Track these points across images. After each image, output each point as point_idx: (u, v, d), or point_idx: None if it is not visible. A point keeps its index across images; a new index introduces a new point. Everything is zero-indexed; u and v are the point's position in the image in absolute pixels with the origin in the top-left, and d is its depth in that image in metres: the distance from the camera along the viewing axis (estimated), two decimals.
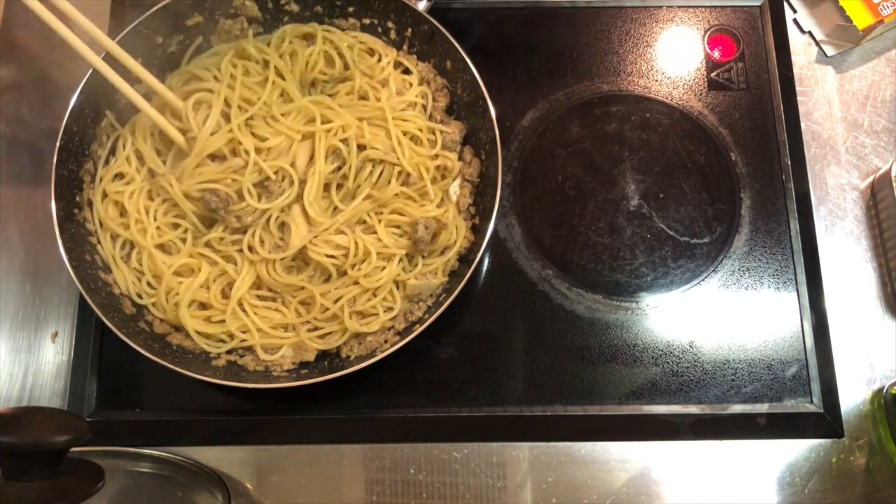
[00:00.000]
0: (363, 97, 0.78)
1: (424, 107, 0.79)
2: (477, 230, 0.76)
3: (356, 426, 0.73)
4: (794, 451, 0.74)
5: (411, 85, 0.80)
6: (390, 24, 0.80)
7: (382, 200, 0.74)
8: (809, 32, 0.89)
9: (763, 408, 0.74)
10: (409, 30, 0.80)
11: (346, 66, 0.79)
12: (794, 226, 0.81)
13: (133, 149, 0.76)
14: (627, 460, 0.73)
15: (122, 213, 0.74)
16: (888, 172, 0.79)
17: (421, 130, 0.77)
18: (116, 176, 0.75)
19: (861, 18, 0.85)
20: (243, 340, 0.72)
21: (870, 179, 0.83)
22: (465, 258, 0.75)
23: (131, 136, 0.76)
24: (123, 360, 0.74)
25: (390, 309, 0.73)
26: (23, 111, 0.83)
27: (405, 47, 0.81)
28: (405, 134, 0.76)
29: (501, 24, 0.89)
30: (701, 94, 0.86)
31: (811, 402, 0.75)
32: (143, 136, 0.75)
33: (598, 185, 0.82)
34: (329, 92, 0.79)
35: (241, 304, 0.72)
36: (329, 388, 0.67)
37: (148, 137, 0.75)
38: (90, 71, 0.71)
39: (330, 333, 0.73)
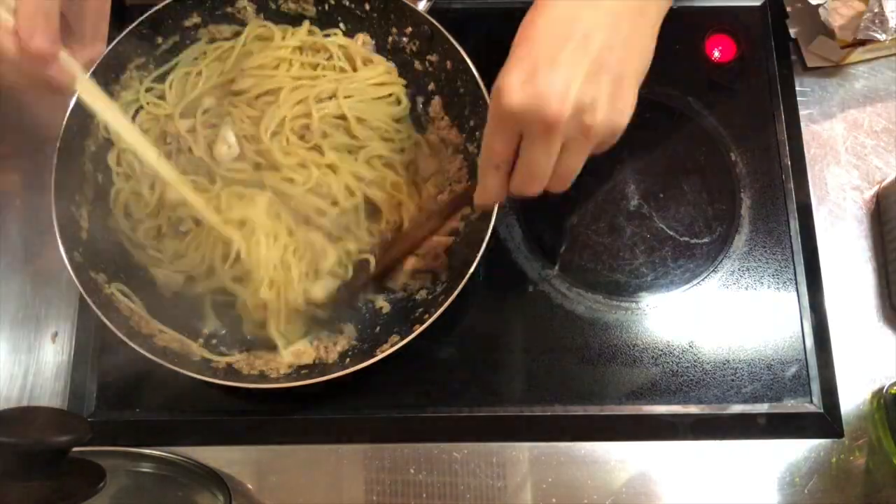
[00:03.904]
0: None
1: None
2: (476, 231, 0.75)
3: (356, 426, 0.73)
4: (794, 451, 0.74)
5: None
6: (390, 24, 0.80)
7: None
8: (795, 40, 0.87)
9: (763, 408, 0.74)
10: (409, 30, 0.80)
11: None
12: (794, 226, 0.80)
13: None
14: (627, 460, 0.73)
15: None
16: (895, 182, 0.79)
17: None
18: None
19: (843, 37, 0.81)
20: None
21: (874, 190, 0.82)
22: (465, 258, 0.75)
23: None
24: (123, 360, 0.74)
25: None
26: (23, 111, 0.83)
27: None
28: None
29: (501, 24, 0.88)
30: (701, 95, 0.86)
31: (811, 402, 0.75)
32: None
33: (598, 185, 0.82)
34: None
35: None
36: (329, 388, 0.67)
37: None
38: (90, 71, 0.71)
39: None
